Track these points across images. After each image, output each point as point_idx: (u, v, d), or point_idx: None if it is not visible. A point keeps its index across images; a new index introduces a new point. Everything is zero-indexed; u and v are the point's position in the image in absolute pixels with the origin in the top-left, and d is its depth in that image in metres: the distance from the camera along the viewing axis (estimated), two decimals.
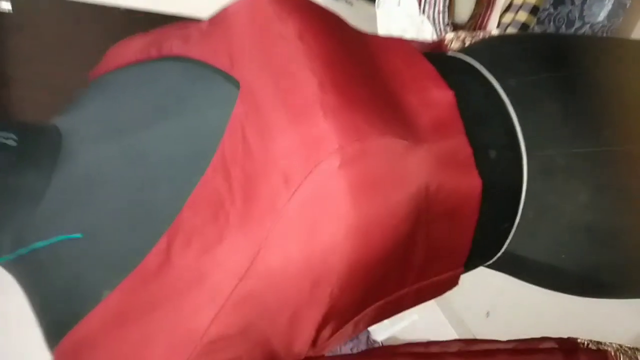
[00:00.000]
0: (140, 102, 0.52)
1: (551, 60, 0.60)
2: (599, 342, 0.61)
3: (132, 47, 0.59)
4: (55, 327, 0.43)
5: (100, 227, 0.45)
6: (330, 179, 0.40)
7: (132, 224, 0.44)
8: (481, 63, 0.60)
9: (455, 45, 0.81)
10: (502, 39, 0.73)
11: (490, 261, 0.60)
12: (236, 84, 0.48)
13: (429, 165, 0.45)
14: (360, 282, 0.43)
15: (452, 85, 0.52)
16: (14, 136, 0.48)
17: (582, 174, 0.53)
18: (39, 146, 0.48)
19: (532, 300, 1.09)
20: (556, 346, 0.59)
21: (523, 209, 0.54)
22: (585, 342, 0.60)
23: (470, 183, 0.48)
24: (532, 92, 0.56)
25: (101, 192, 0.47)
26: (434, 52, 0.74)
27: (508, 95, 0.56)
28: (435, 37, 1.12)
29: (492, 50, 0.64)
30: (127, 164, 0.47)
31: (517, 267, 0.60)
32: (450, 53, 0.70)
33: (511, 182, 0.53)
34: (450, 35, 0.83)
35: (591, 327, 0.78)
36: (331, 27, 0.51)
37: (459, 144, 0.48)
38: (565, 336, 0.61)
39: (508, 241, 0.56)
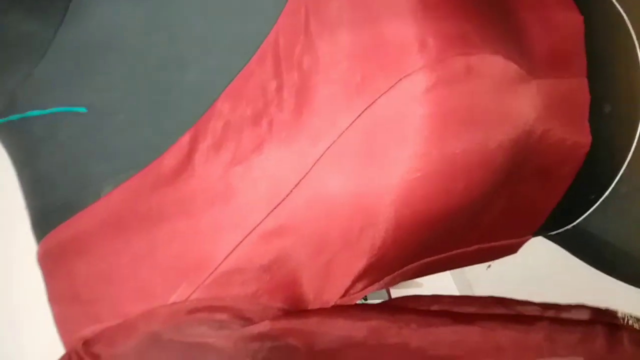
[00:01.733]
0: None
1: None
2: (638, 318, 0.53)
3: None
4: (42, 216, 0.36)
5: (109, 105, 0.36)
6: (412, 104, 0.30)
7: (149, 109, 0.35)
8: None
9: None
10: None
11: (554, 232, 0.51)
12: None
13: (539, 105, 0.35)
14: (417, 236, 0.35)
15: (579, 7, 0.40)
16: None
17: None
18: (35, 23, 0.38)
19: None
20: (592, 317, 0.51)
21: (618, 181, 0.45)
22: (626, 318, 0.52)
23: (579, 139, 0.39)
24: None
25: (115, 63, 0.37)
26: None
27: (637, 33, 0.44)
28: None
29: None
30: (151, 31, 0.37)
31: (581, 245, 0.52)
32: None
33: (616, 146, 0.43)
34: None
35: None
36: None
37: (579, 88, 0.38)
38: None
39: (585, 215, 0.47)
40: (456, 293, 1.55)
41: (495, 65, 0.32)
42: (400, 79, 0.31)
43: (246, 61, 0.34)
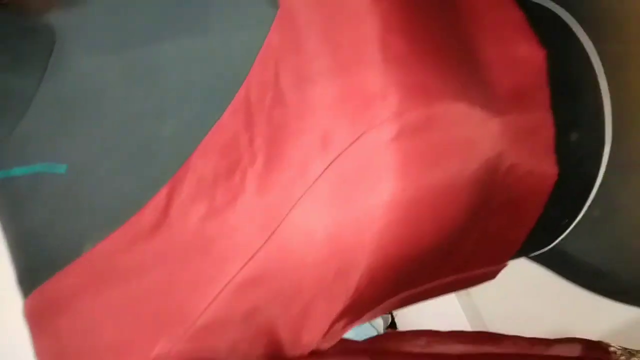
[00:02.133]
0: (155, 6, 0.42)
1: None
2: (631, 352, 0.54)
3: None
4: (27, 274, 0.37)
5: (88, 161, 0.37)
6: (379, 152, 0.32)
7: (127, 164, 0.36)
8: (575, 17, 0.48)
9: None
10: None
11: (532, 254, 0.53)
12: (274, 2, 0.37)
13: (504, 141, 0.37)
14: (391, 276, 0.36)
15: (541, 41, 0.41)
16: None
17: None
18: (26, 46, 0.39)
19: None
20: (582, 353, 0.52)
21: (590, 205, 0.46)
22: (618, 352, 0.54)
23: (546, 170, 0.40)
24: (635, 61, 0.45)
25: (95, 117, 0.38)
26: None
27: (604, 64, 0.45)
28: None
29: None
30: (129, 85, 0.38)
31: (560, 264, 0.53)
32: None
33: (585, 172, 0.45)
34: None
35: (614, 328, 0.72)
36: None
37: (542, 121, 0.39)
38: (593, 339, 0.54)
39: (561, 238, 0.49)
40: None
41: (457, 111, 0.33)
42: (366, 131, 0.32)
43: (220, 114, 0.35)
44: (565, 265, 0.53)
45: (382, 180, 0.32)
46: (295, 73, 0.34)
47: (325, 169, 0.33)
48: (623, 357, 0.52)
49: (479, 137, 0.36)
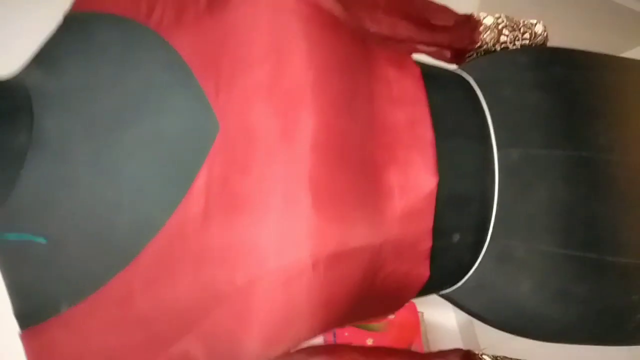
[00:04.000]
0: (121, 86, 0.49)
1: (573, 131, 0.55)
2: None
3: None
4: (20, 315, 0.49)
5: (64, 237, 0.47)
6: (263, 302, 0.41)
7: (93, 245, 0.46)
8: (490, 114, 0.55)
9: (489, 36, 0.72)
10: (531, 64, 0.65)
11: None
12: (214, 119, 0.45)
13: (387, 256, 0.47)
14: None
15: (444, 149, 0.49)
16: None
17: (535, 270, 0.55)
18: (8, 137, 0.46)
19: None
20: None
21: (466, 280, 0.57)
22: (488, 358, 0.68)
23: (420, 272, 0.50)
24: (531, 171, 0.54)
25: (69, 196, 0.47)
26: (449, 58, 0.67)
27: (501, 172, 0.54)
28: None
29: (511, 87, 0.58)
30: (96, 172, 0.47)
31: (455, 304, 0.65)
32: (458, 70, 0.64)
33: (464, 261, 0.55)
34: (487, 20, 0.73)
35: None
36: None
37: (422, 237, 0.49)
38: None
39: (443, 292, 0.61)
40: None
41: (356, 237, 0.43)
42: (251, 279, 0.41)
43: (162, 225, 0.45)
44: (459, 307, 0.65)
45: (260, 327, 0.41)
46: (218, 209, 0.43)
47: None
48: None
49: (367, 253, 0.46)
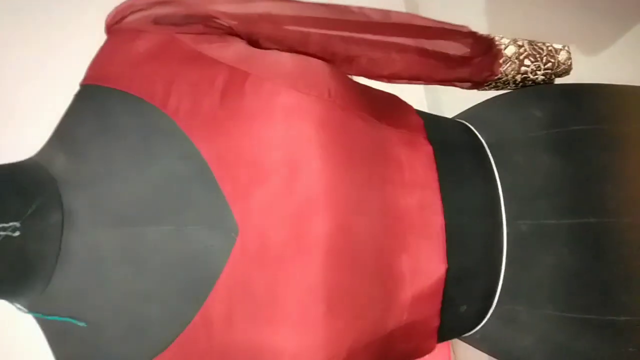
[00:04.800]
0: (142, 176, 0.50)
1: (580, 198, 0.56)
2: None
3: (139, 54, 0.53)
4: None
5: (102, 322, 0.51)
6: None
7: (128, 332, 0.51)
8: (501, 184, 0.56)
9: (510, 67, 0.69)
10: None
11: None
12: (234, 226, 0.47)
13: (394, 338, 0.51)
14: None
15: (454, 228, 0.51)
16: (16, 224, 0.49)
17: (537, 329, 0.58)
18: (42, 228, 0.49)
19: None
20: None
21: (472, 333, 0.61)
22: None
23: (427, 346, 0.54)
24: (539, 241, 0.55)
25: (102, 285, 0.51)
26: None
27: (509, 244, 0.55)
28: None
29: (523, 150, 0.58)
30: (124, 263, 0.50)
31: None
32: (470, 123, 0.63)
33: (469, 323, 0.59)
34: (509, 50, 0.69)
35: None
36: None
37: (431, 318, 0.52)
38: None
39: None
40: None
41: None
42: None
43: (192, 317, 0.48)
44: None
45: None
46: (246, 308, 0.46)
47: None
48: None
49: (379, 342, 0.49)
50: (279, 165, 0.46)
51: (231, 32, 0.58)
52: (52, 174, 0.52)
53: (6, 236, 0.48)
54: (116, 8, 0.62)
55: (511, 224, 0.55)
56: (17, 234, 0.48)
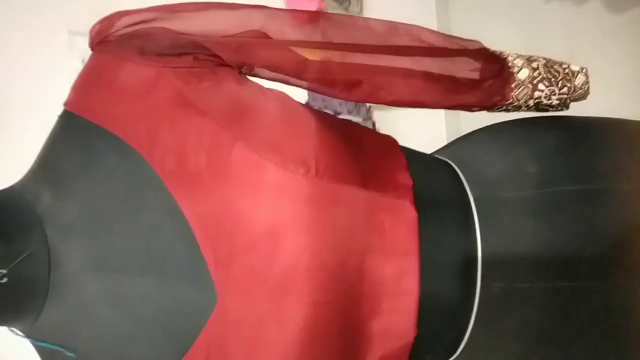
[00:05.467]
0: (129, 225, 0.51)
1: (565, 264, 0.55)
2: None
3: (123, 89, 0.52)
4: None
5: (90, 355, 0.55)
6: None
7: None
8: (482, 246, 0.55)
9: (522, 93, 0.64)
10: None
11: None
12: (214, 291, 0.48)
13: None
14: None
15: (427, 290, 0.52)
16: (3, 271, 0.50)
17: None
18: (30, 273, 0.50)
19: None
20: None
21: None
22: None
23: None
24: (509, 302, 0.56)
25: (90, 324, 0.53)
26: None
27: (480, 305, 0.56)
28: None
29: (511, 212, 0.56)
30: (110, 307, 0.52)
31: None
32: (461, 173, 0.60)
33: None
34: (522, 74, 0.63)
35: None
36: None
37: None
38: None
39: None
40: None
41: None
42: None
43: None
44: None
45: None
46: None
47: None
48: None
49: None
50: (262, 238, 0.46)
51: (222, 63, 0.54)
52: (39, 212, 0.52)
53: None
54: (100, 22, 0.57)
55: (485, 286, 0.55)
56: (4, 280, 0.49)
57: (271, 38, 0.56)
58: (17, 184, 0.56)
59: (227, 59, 0.53)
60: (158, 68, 0.52)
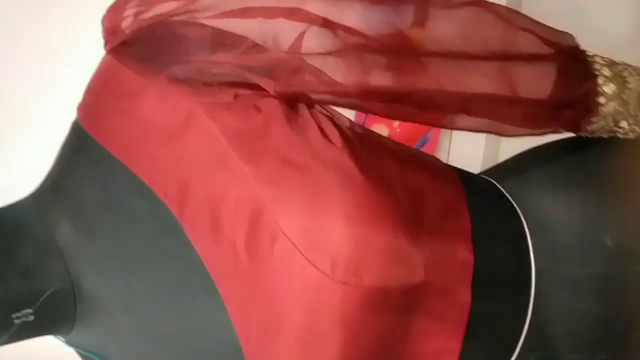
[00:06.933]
0: (156, 270, 0.49)
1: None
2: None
3: (148, 123, 0.46)
4: None
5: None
6: None
7: None
8: (529, 325, 0.52)
9: (598, 125, 0.54)
10: None
11: None
12: None
13: None
14: None
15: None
16: (29, 310, 0.49)
17: None
18: (56, 309, 0.50)
19: None
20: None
21: None
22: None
23: None
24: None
25: (122, 350, 0.54)
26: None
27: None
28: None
29: (570, 287, 0.52)
30: (142, 339, 0.52)
31: None
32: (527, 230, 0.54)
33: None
34: (609, 106, 0.52)
35: None
36: None
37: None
38: None
39: None
40: None
41: None
42: None
43: None
44: None
45: None
46: None
47: None
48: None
49: None
50: (297, 337, 0.43)
51: (267, 95, 0.44)
52: (60, 245, 0.49)
53: (22, 322, 0.49)
54: (110, 9, 0.47)
55: (522, 355, 0.54)
56: (31, 318, 0.49)
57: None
58: (31, 200, 0.52)
59: (276, 92, 0.43)
60: (190, 103, 0.44)
